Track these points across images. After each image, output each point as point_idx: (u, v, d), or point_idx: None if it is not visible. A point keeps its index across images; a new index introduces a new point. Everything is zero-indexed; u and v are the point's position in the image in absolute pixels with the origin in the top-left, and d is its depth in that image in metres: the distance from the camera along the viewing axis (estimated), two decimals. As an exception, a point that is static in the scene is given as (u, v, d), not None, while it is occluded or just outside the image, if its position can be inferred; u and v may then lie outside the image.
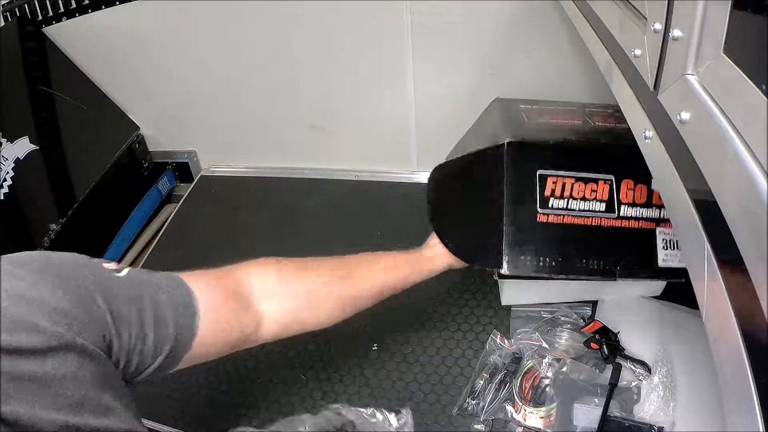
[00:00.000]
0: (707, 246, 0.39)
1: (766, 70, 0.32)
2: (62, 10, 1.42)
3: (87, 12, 1.41)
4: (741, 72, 0.35)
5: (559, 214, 0.87)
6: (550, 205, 0.87)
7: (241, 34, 1.41)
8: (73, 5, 1.41)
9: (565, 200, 0.87)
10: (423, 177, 1.51)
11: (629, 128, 0.94)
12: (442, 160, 1.07)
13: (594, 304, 1.06)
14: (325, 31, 1.36)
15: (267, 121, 1.57)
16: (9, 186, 1.25)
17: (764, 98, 0.32)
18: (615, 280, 0.90)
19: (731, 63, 0.37)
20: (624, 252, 0.88)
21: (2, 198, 1.24)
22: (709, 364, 0.87)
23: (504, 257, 0.87)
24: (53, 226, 1.27)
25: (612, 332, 0.99)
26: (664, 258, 0.87)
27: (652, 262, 0.87)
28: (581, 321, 1.02)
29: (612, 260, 0.87)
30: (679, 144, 0.44)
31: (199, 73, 1.51)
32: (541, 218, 0.87)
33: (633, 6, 0.59)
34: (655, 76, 0.49)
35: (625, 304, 1.02)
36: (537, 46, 1.27)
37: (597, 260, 0.88)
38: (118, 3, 1.38)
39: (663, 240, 0.87)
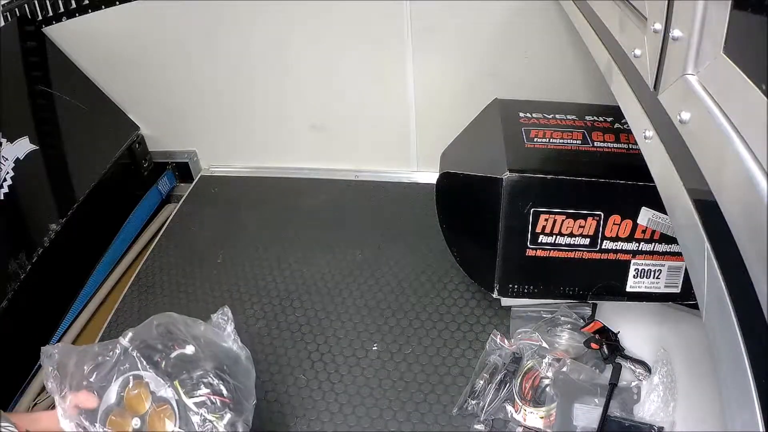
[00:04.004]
0: (707, 246, 0.39)
1: (766, 70, 0.32)
2: (62, 10, 1.42)
3: (87, 12, 1.41)
4: (741, 72, 0.35)
5: (546, 249, 0.94)
6: (539, 241, 0.93)
7: (241, 35, 1.41)
8: (73, 5, 1.41)
9: (554, 237, 0.93)
10: (423, 177, 1.52)
11: (629, 148, 0.97)
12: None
13: (594, 304, 1.06)
14: (325, 31, 1.36)
15: (267, 121, 1.57)
16: (9, 186, 1.25)
17: (764, 98, 0.32)
18: (586, 302, 1.04)
19: (731, 63, 0.37)
20: (598, 280, 0.96)
21: (2, 198, 1.23)
22: (709, 364, 0.87)
23: (495, 284, 0.98)
24: (53, 226, 1.27)
25: (612, 332, 0.99)
26: (632, 285, 0.95)
27: (621, 288, 0.96)
28: (581, 321, 1.02)
29: (586, 287, 0.97)
30: (679, 144, 0.44)
31: (198, 74, 1.51)
32: (530, 253, 0.94)
33: (633, 6, 0.59)
34: (655, 76, 0.49)
35: (625, 304, 1.02)
36: (537, 46, 1.27)
37: (573, 287, 0.97)
38: (118, 3, 1.38)
39: (635, 269, 0.94)
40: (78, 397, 0.74)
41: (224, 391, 0.76)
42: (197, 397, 0.74)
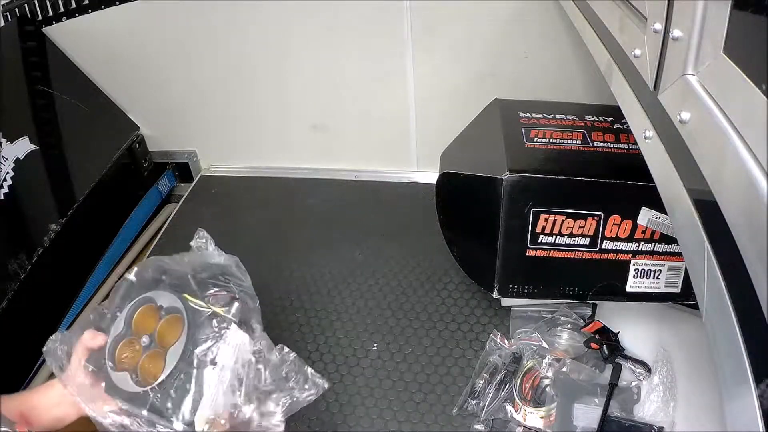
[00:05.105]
0: (707, 246, 0.39)
1: (766, 70, 0.32)
2: (62, 10, 1.42)
3: (87, 12, 1.41)
4: (741, 72, 0.35)
5: (546, 249, 0.94)
6: (539, 241, 0.94)
7: (241, 35, 1.41)
8: (73, 5, 1.41)
9: (554, 237, 0.93)
10: (423, 177, 1.52)
11: (629, 148, 0.97)
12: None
13: (594, 304, 1.06)
14: (326, 32, 1.36)
15: (267, 121, 1.57)
16: (9, 186, 1.25)
17: (764, 98, 0.32)
18: (586, 302, 1.03)
19: (731, 63, 0.37)
20: (598, 280, 0.96)
21: (2, 198, 1.23)
22: (709, 364, 0.87)
23: (495, 284, 0.98)
24: (53, 226, 1.27)
25: (612, 332, 0.99)
26: (632, 285, 0.95)
27: (622, 288, 0.96)
28: (581, 321, 1.02)
29: (586, 287, 0.97)
30: (679, 144, 0.44)
31: (199, 73, 1.51)
32: (530, 253, 0.95)
33: (633, 6, 0.59)
34: (655, 76, 0.49)
35: (625, 304, 1.02)
36: (537, 46, 1.27)
37: (573, 287, 0.97)
38: (118, 3, 1.38)
39: (635, 270, 0.94)
40: (83, 338, 0.72)
41: (228, 287, 0.78)
42: (204, 297, 0.75)
